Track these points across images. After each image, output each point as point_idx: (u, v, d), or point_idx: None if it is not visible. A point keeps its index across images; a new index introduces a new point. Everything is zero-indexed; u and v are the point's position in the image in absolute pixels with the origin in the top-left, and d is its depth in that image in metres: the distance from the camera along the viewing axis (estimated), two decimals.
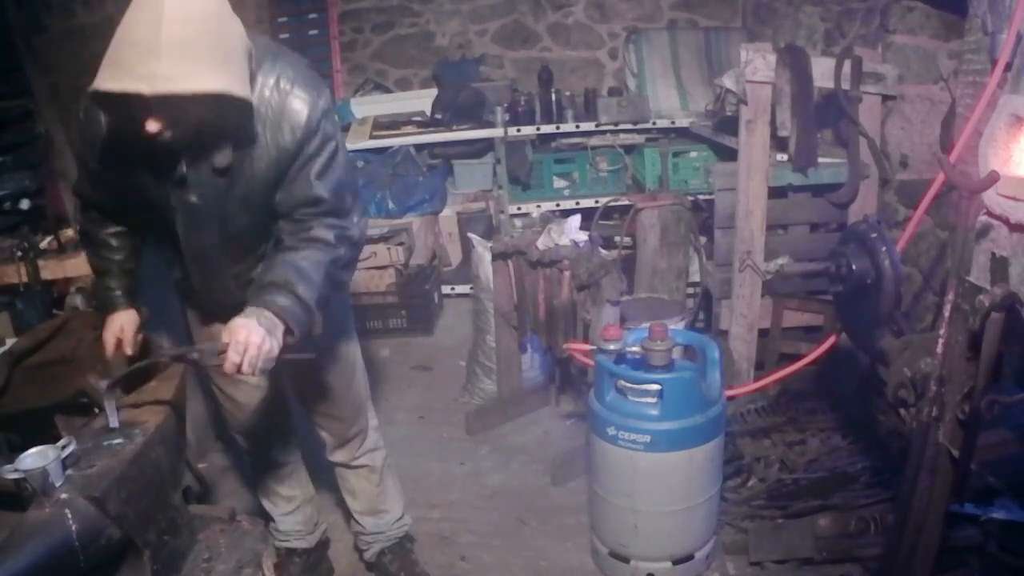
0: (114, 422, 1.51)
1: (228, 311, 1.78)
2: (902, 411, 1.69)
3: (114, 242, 1.90)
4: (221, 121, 1.53)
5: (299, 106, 1.64)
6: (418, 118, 4.50)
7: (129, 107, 1.43)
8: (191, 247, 1.78)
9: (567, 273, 2.90)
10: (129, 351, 1.87)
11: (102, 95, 1.42)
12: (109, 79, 1.39)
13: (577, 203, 4.15)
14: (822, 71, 2.93)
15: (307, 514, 2.34)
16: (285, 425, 2.24)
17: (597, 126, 4.20)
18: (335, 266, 1.73)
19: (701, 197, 3.62)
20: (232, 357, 1.53)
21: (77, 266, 2.75)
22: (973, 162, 1.50)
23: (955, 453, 1.55)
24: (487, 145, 4.39)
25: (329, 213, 1.72)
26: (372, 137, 4.37)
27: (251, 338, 1.54)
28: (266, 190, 1.69)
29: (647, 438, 2.13)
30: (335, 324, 2.04)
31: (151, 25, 1.36)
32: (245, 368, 1.54)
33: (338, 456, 2.23)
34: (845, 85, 2.92)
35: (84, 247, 2.01)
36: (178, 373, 1.75)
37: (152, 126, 1.44)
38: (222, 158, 1.62)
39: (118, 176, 1.70)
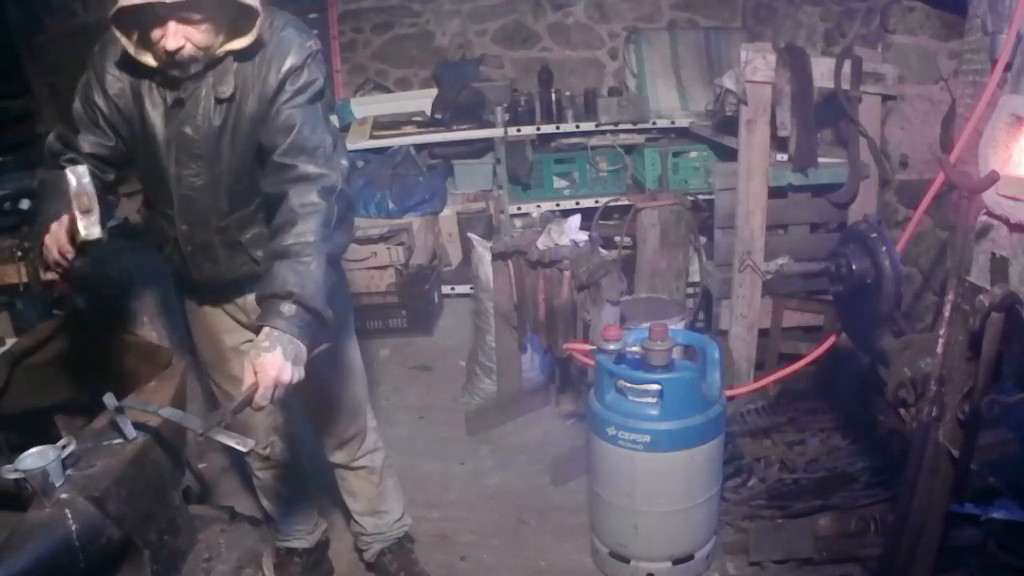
0: (130, 432, 1.52)
1: (217, 291, 1.96)
2: (902, 411, 1.69)
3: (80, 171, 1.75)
4: (234, 30, 1.64)
5: (289, 44, 1.71)
6: (418, 118, 4.50)
7: (148, 26, 1.58)
8: (179, 189, 1.77)
9: (567, 273, 2.90)
10: (69, 254, 1.61)
11: (126, 11, 1.53)
12: None
13: (577, 203, 4.15)
14: (822, 71, 2.93)
15: (307, 514, 2.34)
16: (286, 425, 2.24)
17: (597, 126, 4.20)
18: (327, 230, 1.66)
19: (701, 197, 3.62)
20: (262, 400, 1.51)
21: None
22: (973, 162, 1.50)
23: (955, 453, 1.55)
24: (487, 145, 4.38)
25: (306, 150, 1.70)
26: (372, 137, 4.36)
27: (281, 376, 1.51)
28: (252, 128, 1.73)
29: (647, 438, 2.13)
30: (335, 324, 2.01)
31: None
32: (276, 401, 1.55)
33: (337, 457, 2.23)
34: (845, 85, 2.92)
35: (39, 192, 1.83)
36: (178, 373, 1.75)
37: (172, 40, 1.56)
38: (225, 87, 1.69)
39: (121, 110, 1.74)
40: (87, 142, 1.78)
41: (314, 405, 2.13)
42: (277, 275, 1.59)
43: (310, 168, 1.69)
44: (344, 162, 1.78)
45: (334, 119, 4.56)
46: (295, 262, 1.60)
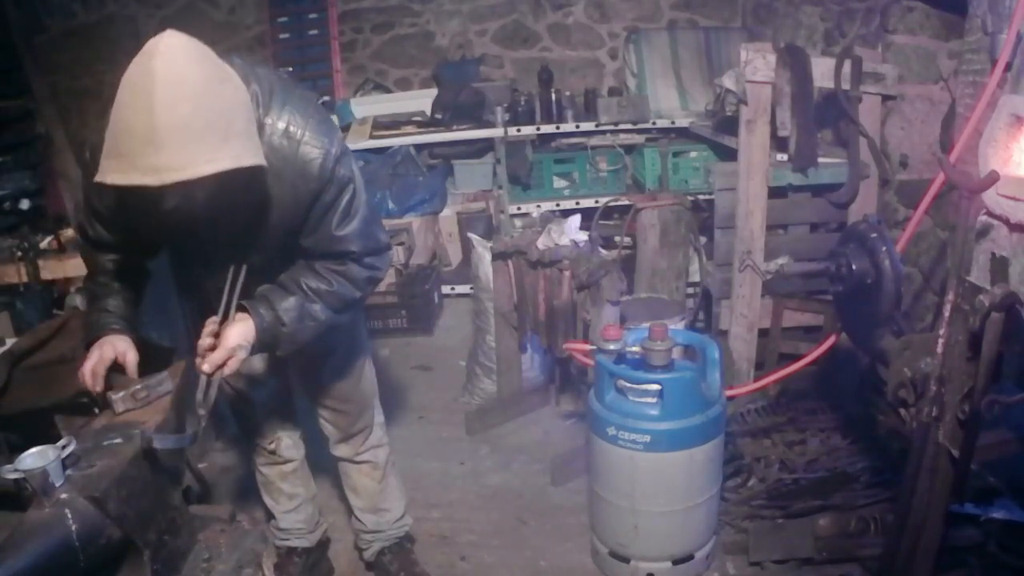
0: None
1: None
2: (902, 411, 1.69)
3: (113, 267, 1.81)
4: (235, 184, 1.45)
5: (312, 155, 1.60)
6: (418, 118, 4.50)
7: (139, 191, 1.37)
8: (206, 272, 1.80)
9: (567, 273, 2.90)
10: (134, 374, 1.70)
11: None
12: (114, 171, 1.35)
13: (577, 203, 4.15)
14: (822, 71, 2.93)
15: (308, 512, 2.34)
16: (290, 421, 2.24)
17: (597, 126, 4.20)
18: (346, 307, 1.79)
19: (701, 197, 3.62)
20: (212, 362, 1.60)
21: (77, 266, 2.75)
22: (973, 162, 1.50)
23: (955, 453, 1.54)
24: (487, 145, 4.39)
25: (359, 259, 1.75)
26: (372, 137, 4.37)
27: (238, 352, 1.62)
28: (282, 237, 1.70)
29: (647, 438, 2.13)
30: (348, 323, 2.08)
31: (144, 114, 1.30)
32: (214, 373, 1.61)
33: (341, 451, 2.23)
34: (845, 85, 2.92)
35: (86, 278, 1.89)
36: (179, 372, 1.75)
37: (168, 204, 1.39)
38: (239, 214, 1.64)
39: (128, 220, 1.66)
40: (113, 263, 1.79)
41: (322, 397, 2.13)
42: (288, 297, 1.70)
43: (361, 275, 1.76)
44: (389, 254, 1.87)
45: (334, 119, 4.59)
46: (308, 306, 1.72)
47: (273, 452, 2.22)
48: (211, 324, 1.65)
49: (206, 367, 1.60)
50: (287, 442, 2.23)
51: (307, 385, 2.15)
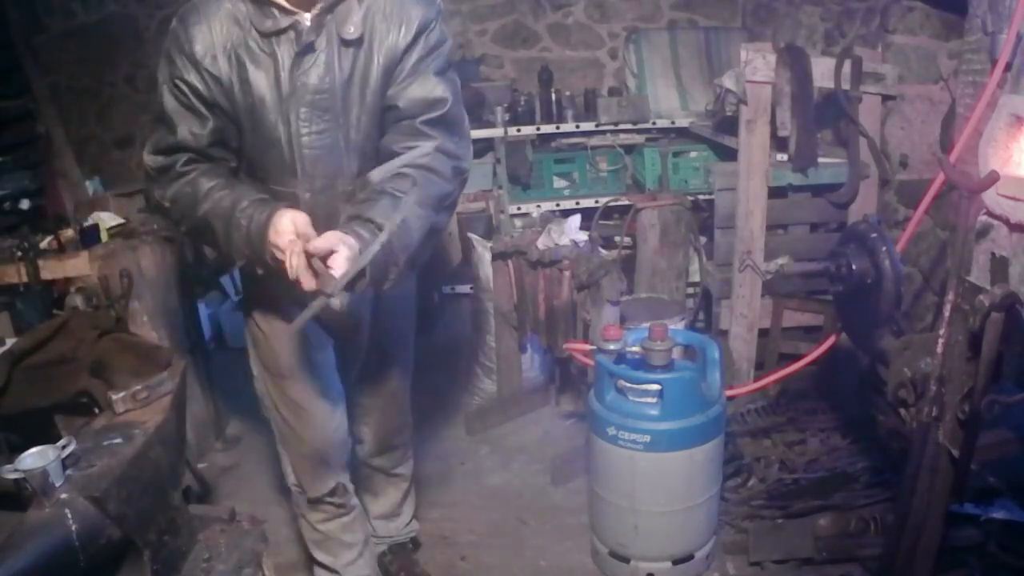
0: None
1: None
2: (902, 411, 1.69)
3: (225, 180, 1.65)
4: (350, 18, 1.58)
5: (416, 2, 1.64)
6: None
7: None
8: (304, 150, 1.64)
9: (567, 273, 2.90)
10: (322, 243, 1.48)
11: None
12: None
13: (577, 203, 4.15)
14: (822, 71, 2.93)
15: (369, 556, 2.19)
16: (344, 454, 2.07)
17: (597, 126, 4.20)
18: (441, 204, 1.68)
19: (701, 197, 3.62)
20: (340, 267, 1.41)
21: (77, 266, 2.75)
22: (973, 162, 1.50)
23: (955, 453, 1.55)
24: (487, 145, 4.38)
25: (448, 125, 1.67)
26: None
27: (348, 263, 1.42)
28: (383, 79, 1.65)
29: (647, 438, 2.13)
30: (404, 319, 2.09)
31: None
32: (333, 285, 1.39)
33: (378, 462, 2.21)
34: (845, 85, 2.92)
35: (184, 223, 1.69)
36: (179, 371, 1.75)
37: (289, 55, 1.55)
38: (350, 27, 1.59)
39: (220, 80, 1.59)
40: (195, 134, 1.62)
41: (373, 401, 2.11)
42: (377, 205, 1.54)
43: (449, 145, 1.67)
44: (470, 150, 1.78)
45: None
46: (401, 199, 1.54)
47: (340, 505, 2.05)
48: (294, 240, 1.47)
49: (337, 274, 1.41)
50: (345, 485, 2.06)
51: (362, 387, 2.08)
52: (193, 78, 1.59)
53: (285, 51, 1.59)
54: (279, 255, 1.50)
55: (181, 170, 1.64)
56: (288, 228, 1.50)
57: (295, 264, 1.45)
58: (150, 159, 1.67)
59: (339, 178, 1.69)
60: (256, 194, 1.61)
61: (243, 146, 1.69)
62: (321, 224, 1.55)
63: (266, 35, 1.58)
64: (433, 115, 1.66)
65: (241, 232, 1.57)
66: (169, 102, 1.62)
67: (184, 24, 1.59)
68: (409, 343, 2.16)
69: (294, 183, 1.68)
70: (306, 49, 1.58)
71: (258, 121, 1.62)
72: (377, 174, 1.65)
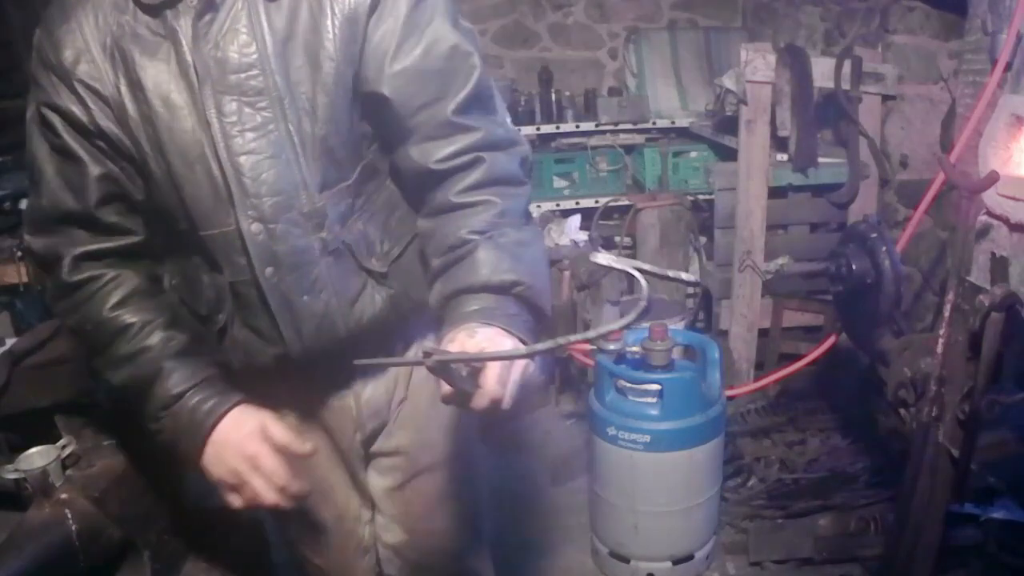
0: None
1: (322, 373, 1.23)
2: (902, 411, 1.69)
3: (143, 302, 1.19)
4: None
5: None
6: None
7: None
8: (238, 158, 1.09)
9: (567, 273, 2.90)
10: (307, 448, 1.15)
11: None
12: None
13: (577, 203, 4.15)
14: (822, 71, 2.92)
15: None
16: None
17: (597, 126, 4.20)
18: (526, 212, 1.17)
19: (701, 197, 3.62)
20: (493, 385, 0.96)
21: None
22: (973, 162, 1.50)
23: (955, 453, 1.54)
24: None
25: (486, 99, 1.17)
26: None
27: (519, 364, 1.00)
28: (346, 39, 1.10)
29: (647, 438, 2.13)
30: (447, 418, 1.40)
31: None
32: (507, 401, 0.99)
33: None
34: (845, 85, 2.92)
35: (90, 353, 1.22)
36: None
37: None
38: None
39: (113, 90, 1.09)
40: (75, 191, 1.14)
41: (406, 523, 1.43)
42: (479, 261, 1.06)
43: (499, 130, 1.17)
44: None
45: None
46: (499, 239, 1.08)
47: None
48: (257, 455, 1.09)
49: (481, 401, 0.97)
50: None
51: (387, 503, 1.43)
52: (65, 100, 1.10)
53: (185, 23, 1.07)
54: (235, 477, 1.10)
55: (70, 279, 1.16)
56: (252, 436, 1.11)
57: (262, 487, 1.09)
58: (31, 242, 1.20)
59: (298, 194, 1.11)
60: (196, 367, 1.15)
61: (151, 192, 1.13)
62: (286, 278, 1.12)
63: (154, 8, 1.07)
64: (464, 93, 1.12)
65: (163, 435, 1.14)
66: (38, 148, 1.17)
67: (47, 30, 1.11)
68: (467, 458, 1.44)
69: (232, 217, 1.10)
70: (208, 7, 1.06)
71: (165, 139, 1.08)
72: (429, 222, 1.16)
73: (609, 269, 0.74)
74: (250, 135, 1.08)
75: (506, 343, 1.01)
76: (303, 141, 1.11)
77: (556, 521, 2.62)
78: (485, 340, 0.99)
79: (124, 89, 1.09)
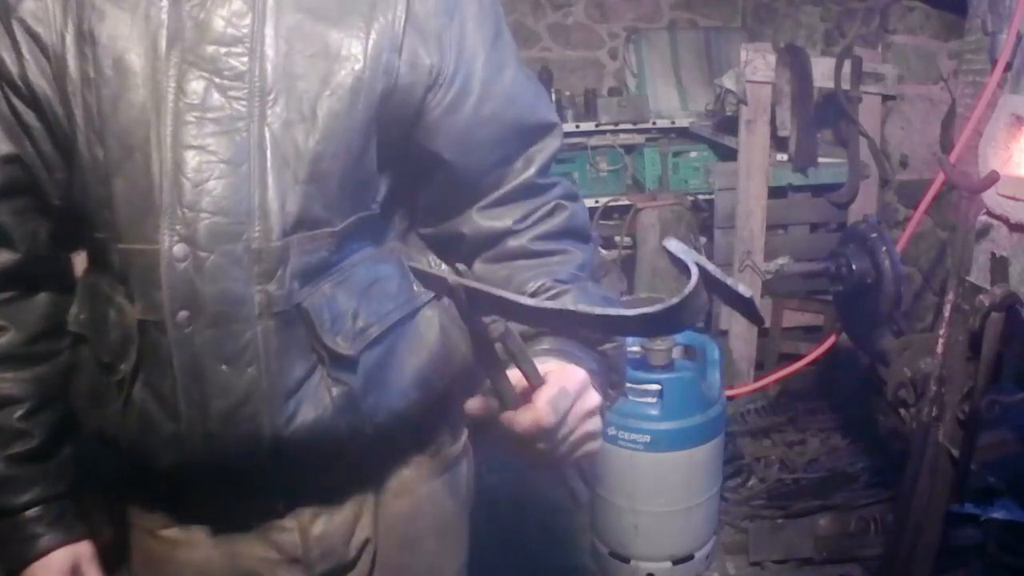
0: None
1: (228, 489, 0.88)
2: (902, 411, 1.69)
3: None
4: None
5: None
6: None
7: None
8: (193, 161, 0.79)
9: None
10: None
11: None
12: None
13: None
14: (822, 71, 2.92)
15: None
16: None
17: (597, 126, 4.20)
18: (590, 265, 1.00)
19: (701, 197, 3.61)
20: (545, 406, 0.72)
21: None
22: (973, 162, 1.50)
23: (955, 453, 1.55)
24: None
25: (556, 149, 1.00)
26: None
27: (590, 397, 0.82)
28: (387, 60, 0.84)
29: (647, 438, 2.13)
30: (440, 540, 1.11)
31: None
32: (556, 437, 0.76)
33: None
34: (845, 85, 2.92)
35: None
36: None
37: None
38: None
39: (58, 46, 0.82)
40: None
41: None
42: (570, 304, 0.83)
43: (566, 180, 1.02)
44: None
45: None
46: (588, 289, 0.92)
47: None
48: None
49: (526, 422, 0.73)
50: None
51: None
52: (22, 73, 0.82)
53: None
54: None
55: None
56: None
57: None
58: None
59: (250, 222, 0.80)
60: (34, 482, 0.92)
61: (71, 186, 0.86)
62: (200, 335, 0.80)
63: None
64: (545, 148, 0.97)
65: None
66: None
67: None
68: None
69: (157, 231, 0.80)
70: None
71: (107, 112, 0.81)
72: (494, 267, 0.94)
73: (675, 259, 0.65)
74: (209, 127, 0.80)
75: (583, 380, 0.81)
76: (283, 155, 0.81)
77: (556, 521, 2.62)
78: (558, 368, 0.79)
79: (70, 40, 0.81)
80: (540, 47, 4.89)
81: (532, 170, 0.93)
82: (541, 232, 0.94)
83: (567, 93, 4.35)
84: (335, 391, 0.85)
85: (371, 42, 0.83)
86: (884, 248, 1.75)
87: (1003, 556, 2.01)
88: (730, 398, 2.46)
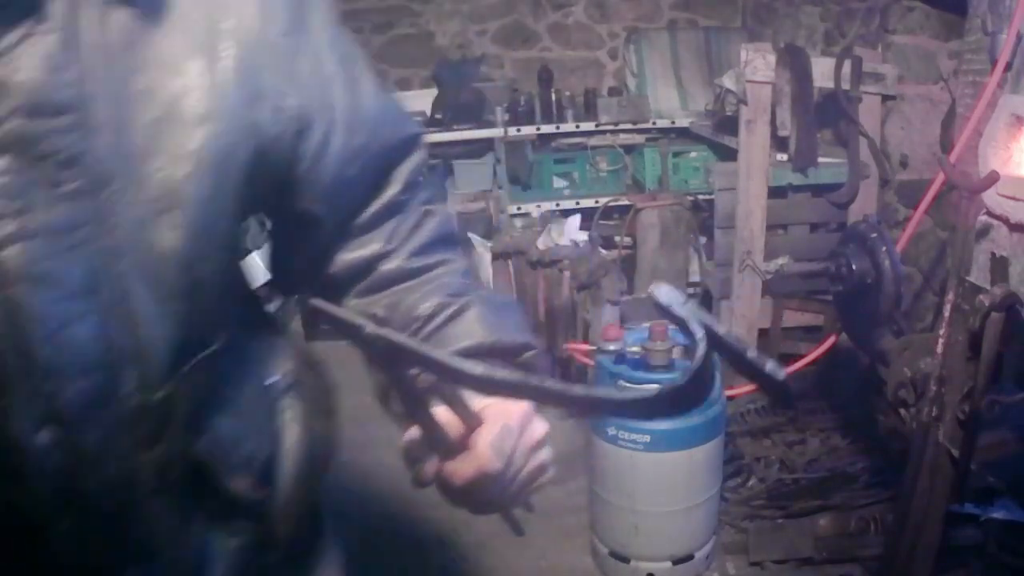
0: None
1: None
2: (902, 411, 1.69)
3: None
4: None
5: None
6: (418, 118, 4.50)
7: None
8: (27, 305, 0.55)
9: (567, 273, 2.90)
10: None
11: None
12: None
13: (577, 203, 4.15)
14: (822, 71, 2.93)
15: None
16: None
17: (597, 126, 4.20)
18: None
19: (701, 197, 3.62)
20: (487, 451, 0.68)
21: None
22: (973, 162, 1.50)
23: (955, 453, 1.55)
24: (487, 145, 4.38)
25: (423, 159, 0.87)
26: None
27: (535, 429, 0.77)
28: (242, 102, 0.65)
29: (647, 438, 2.13)
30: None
31: None
32: (505, 479, 0.72)
33: None
34: (845, 85, 2.92)
35: None
36: None
37: None
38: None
39: None
40: None
41: None
42: (473, 321, 0.80)
43: (438, 191, 0.92)
44: None
45: None
46: (486, 298, 0.84)
47: None
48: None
49: (494, 459, 0.70)
50: None
51: None
52: None
53: None
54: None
55: None
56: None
57: None
58: None
59: (120, 374, 0.60)
60: None
61: None
62: (94, 531, 0.61)
63: None
64: (410, 163, 0.83)
65: None
66: None
67: None
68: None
69: (8, 417, 0.56)
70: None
71: None
72: (375, 298, 0.81)
73: (667, 313, 0.54)
74: (39, 247, 0.55)
75: (521, 419, 0.73)
76: (144, 268, 0.60)
77: (556, 521, 2.62)
78: (494, 402, 0.70)
79: None
80: (540, 47, 4.90)
81: (397, 188, 0.81)
82: (415, 246, 0.82)
83: (567, 93, 4.35)
84: (234, 542, 0.72)
85: (221, 91, 0.63)
86: (884, 248, 1.75)
87: (1003, 556, 2.01)
88: (730, 398, 2.45)
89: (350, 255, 0.80)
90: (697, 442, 2.15)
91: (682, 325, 0.53)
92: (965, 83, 1.76)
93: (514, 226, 3.82)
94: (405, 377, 0.62)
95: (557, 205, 4.16)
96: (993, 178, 1.37)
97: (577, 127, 4.24)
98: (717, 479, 2.28)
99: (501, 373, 0.59)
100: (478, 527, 2.62)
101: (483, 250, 3.29)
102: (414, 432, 0.67)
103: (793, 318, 3.14)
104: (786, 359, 2.87)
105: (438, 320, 0.78)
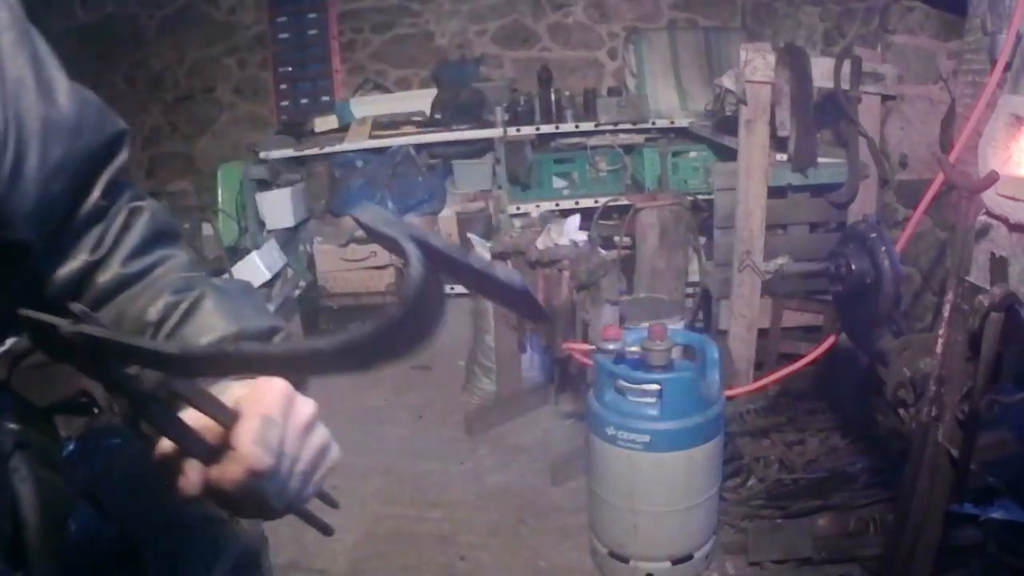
0: None
1: None
2: (902, 411, 1.69)
3: None
4: None
5: None
6: (418, 118, 4.50)
7: None
8: None
9: (566, 273, 2.90)
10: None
11: None
12: None
13: (576, 203, 4.15)
14: (822, 71, 2.93)
15: None
16: None
17: (597, 126, 4.20)
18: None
19: (701, 197, 3.62)
20: (250, 446, 0.59)
21: None
22: (973, 162, 1.50)
23: (955, 453, 1.55)
24: (487, 145, 4.38)
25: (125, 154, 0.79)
26: (371, 137, 4.37)
27: (301, 407, 0.65)
28: None
29: (646, 438, 2.13)
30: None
31: None
32: (275, 474, 0.61)
33: None
34: (845, 85, 2.92)
35: None
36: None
37: None
38: None
39: None
40: None
41: None
42: (211, 313, 0.73)
43: (138, 187, 0.83)
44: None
45: (334, 119, 4.59)
46: (218, 286, 0.77)
47: None
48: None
49: (253, 447, 0.60)
50: None
51: None
52: None
53: None
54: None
55: None
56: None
57: None
58: None
59: None
60: None
61: None
62: None
63: None
64: (113, 164, 0.77)
65: None
66: None
67: None
68: None
69: None
70: None
71: None
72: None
73: (375, 233, 0.50)
74: None
75: (294, 396, 0.65)
76: None
77: (556, 521, 2.62)
78: (248, 391, 0.63)
79: None
80: (540, 47, 4.90)
81: (97, 193, 0.74)
82: (128, 250, 0.76)
83: (567, 93, 4.36)
84: None
85: None
86: (884, 248, 1.75)
87: (1003, 556, 2.01)
88: (729, 398, 2.45)
89: (58, 272, 0.73)
90: (696, 442, 2.15)
91: (392, 245, 0.45)
92: (965, 83, 1.76)
93: (513, 226, 3.82)
94: (125, 379, 0.55)
95: (556, 205, 4.16)
96: (993, 178, 1.37)
97: (576, 127, 4.24)
98: (716, 479, 2.28)
99: (198, 349, 0.54)
100: (478, 527, 2.62)
101: (483, 250, 3.29)
102: (165, 445, 0.59)
103: (793, 318, 3.14)
104: (786, 359, 2.88)
105: (172, 321, 0.72)
